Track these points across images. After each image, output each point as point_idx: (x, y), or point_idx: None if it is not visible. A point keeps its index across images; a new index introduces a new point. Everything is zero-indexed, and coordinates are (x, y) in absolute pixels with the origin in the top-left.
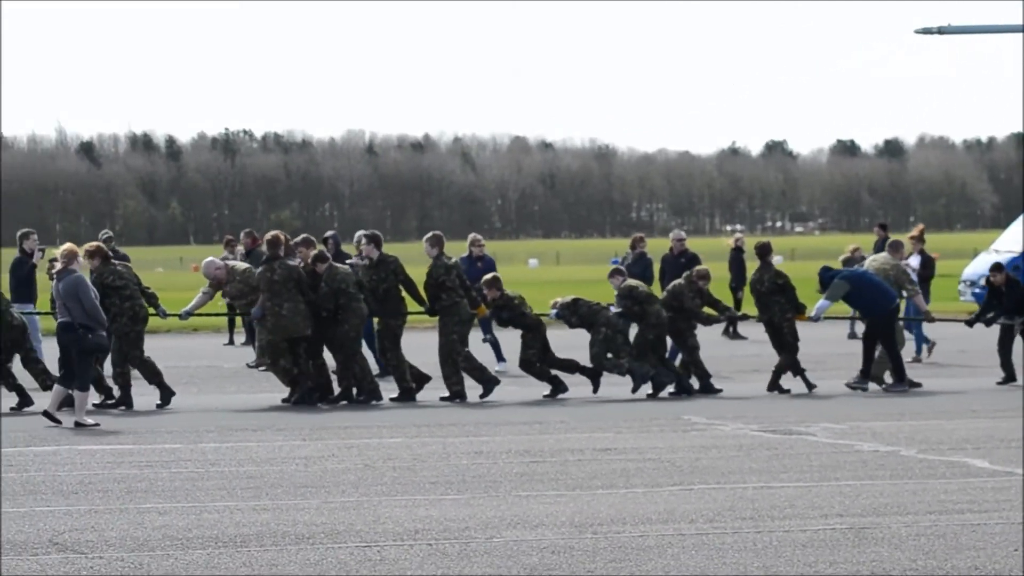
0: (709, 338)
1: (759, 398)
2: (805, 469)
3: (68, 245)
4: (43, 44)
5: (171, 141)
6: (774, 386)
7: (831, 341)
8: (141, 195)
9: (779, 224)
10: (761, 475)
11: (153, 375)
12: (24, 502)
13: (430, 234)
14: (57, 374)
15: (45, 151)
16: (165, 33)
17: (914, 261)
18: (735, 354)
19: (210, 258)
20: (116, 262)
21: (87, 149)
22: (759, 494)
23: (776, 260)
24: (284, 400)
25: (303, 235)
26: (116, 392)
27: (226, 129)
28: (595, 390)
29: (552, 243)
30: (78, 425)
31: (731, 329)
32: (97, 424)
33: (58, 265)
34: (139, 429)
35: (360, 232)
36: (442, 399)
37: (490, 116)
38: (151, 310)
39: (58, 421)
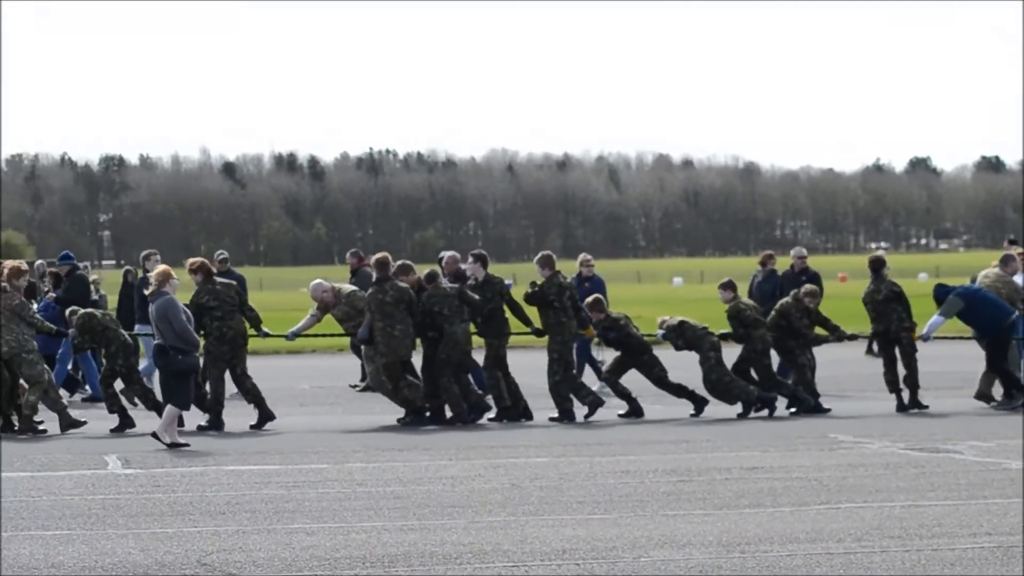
0: (851, 357)
1: (904, 416)
2: (953, 487)
3: (162, 267)
4: (187, 65)
5: (314, 161)
6: (913, 404)
7: (980, 359)
8: (285, 215)
9: (923, 241)
10: (908, 493)
11: (215, 399)
12: (172, 523)
13: (541, 255)
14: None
15: (189, 172)
16: (307, 53)
17: (1019, 279)
18: (877, 372)
19: (318, 280)
20: (220, 280)
21: (229, 169)
22: (907, 512)
23: (921, 277)
24: (399, 420)
25: (401, 262)
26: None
27: (370, 148)
28: (631, 415)
29: (696, 261)
30: (154, 436)
31: (874, 348)
32: (187, 444)
33: (151, 287)
34: (285, 449)
35: (445, 253)
36: (551, 419)
37: (634, 134)
38: (251, 331)
39: (184, 444)
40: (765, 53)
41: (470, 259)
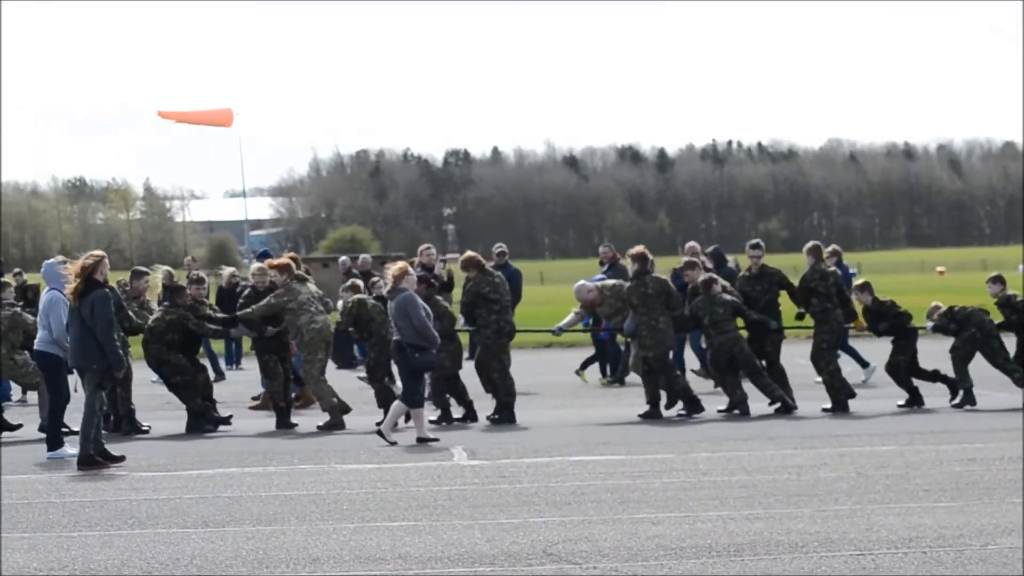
0: None
1: None
2: None
3: (399, 264)
4: (530, 61)
5: (660, 153)
6: None
7: None
8: (629, 207)
9: None
10: None
11: (507, 393)
12: (518, 513)
13: (809, 244)
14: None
15: (533, 165)
16: (647, 48)
17: None
18: None
19: (582, 282)
20: (495, 272)
21: (573, 162)
22: None
23: None
24: (640, 415)
25: (687, 259)
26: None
27: (713, 140)
28: (953, 399)
29: None
30: (420, 441)
31: None
32: (436, 439)
33: (388, 285)
34: (630, 440)
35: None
36: (824, 410)
37: (976, 122)
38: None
39: (392, 442)
40: None
41: (752, 249)
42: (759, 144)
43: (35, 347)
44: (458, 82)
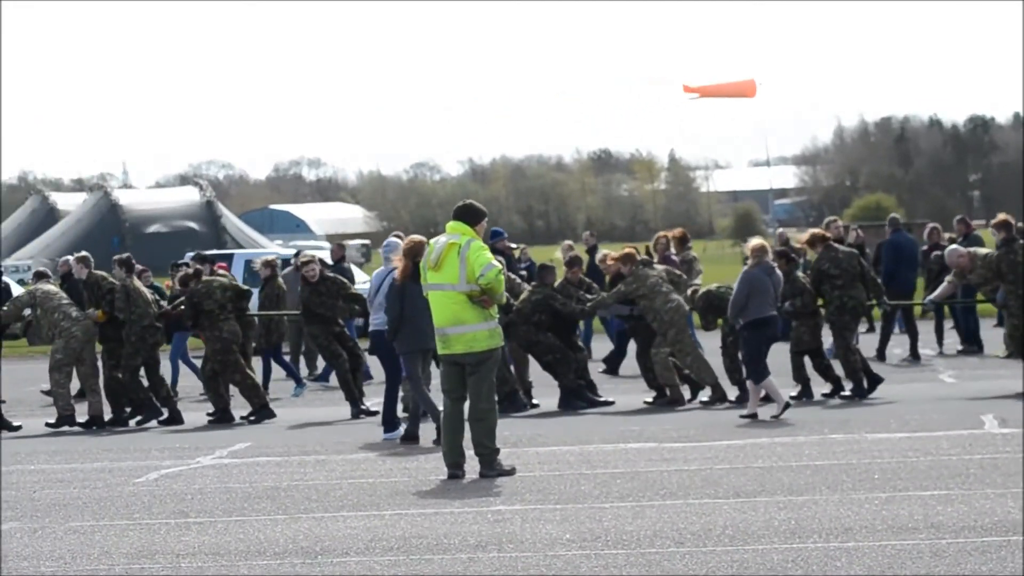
0: None
1: None
2: None
3: (758, 240)
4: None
5: None
6: None
7: None
8: None
9: None
10: None
11: (851, 371)
12: None
13: None
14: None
15: None
16: None
17: None
18: None
19: (954, 246)
20: (842, 248)
21: None
22: None
23: None
24: None
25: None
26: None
27: None
28: None
29: None
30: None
31: None
32: (754, 415)
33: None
34: None
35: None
36: None
37: None
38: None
39: (752, 415)
40: None
41: None
42: None
43: (371, 327)
44: (982, 45)
